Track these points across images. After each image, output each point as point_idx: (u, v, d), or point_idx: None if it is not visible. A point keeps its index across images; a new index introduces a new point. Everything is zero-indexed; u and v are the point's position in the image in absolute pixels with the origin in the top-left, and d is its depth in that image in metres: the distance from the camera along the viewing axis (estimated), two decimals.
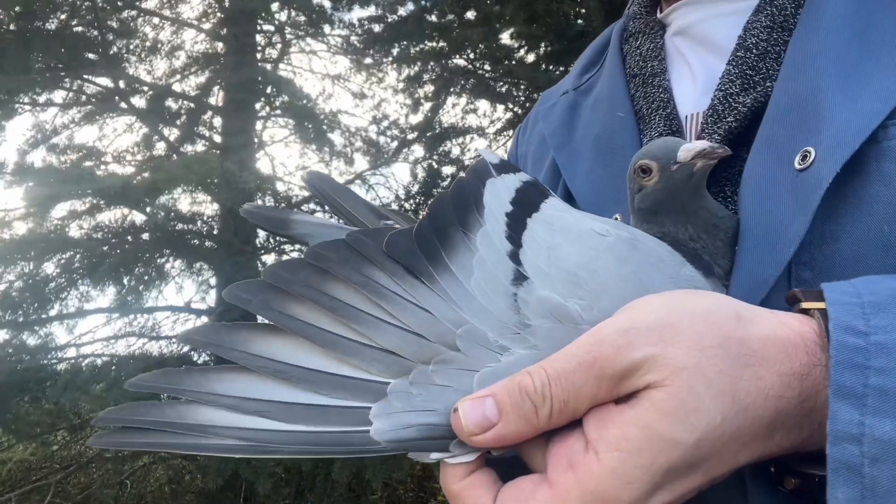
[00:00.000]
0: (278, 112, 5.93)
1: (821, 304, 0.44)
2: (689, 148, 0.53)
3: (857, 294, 0.44)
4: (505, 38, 5.52)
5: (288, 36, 6.32)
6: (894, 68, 0.51)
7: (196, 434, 0.46)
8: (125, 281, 5.20)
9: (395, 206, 6.29)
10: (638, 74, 0.74)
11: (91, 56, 5.24)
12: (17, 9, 4.88)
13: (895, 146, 0.50)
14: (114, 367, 4.67)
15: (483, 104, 6.14)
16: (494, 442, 0.44)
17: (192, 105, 5.97)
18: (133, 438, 0.47)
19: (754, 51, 0.62)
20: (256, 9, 5.37)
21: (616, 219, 0.67)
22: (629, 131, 0.71)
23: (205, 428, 0.46)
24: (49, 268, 5.11)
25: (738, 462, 0.43)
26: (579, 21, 4.68)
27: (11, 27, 5.08)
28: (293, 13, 5.91)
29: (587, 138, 0.75)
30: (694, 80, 0.69)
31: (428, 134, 5.97)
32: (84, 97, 5.84)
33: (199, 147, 6.06)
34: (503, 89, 5.60)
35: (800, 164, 0.52)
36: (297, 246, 5.92)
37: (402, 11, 5.87)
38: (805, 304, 0.45)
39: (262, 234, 5.89)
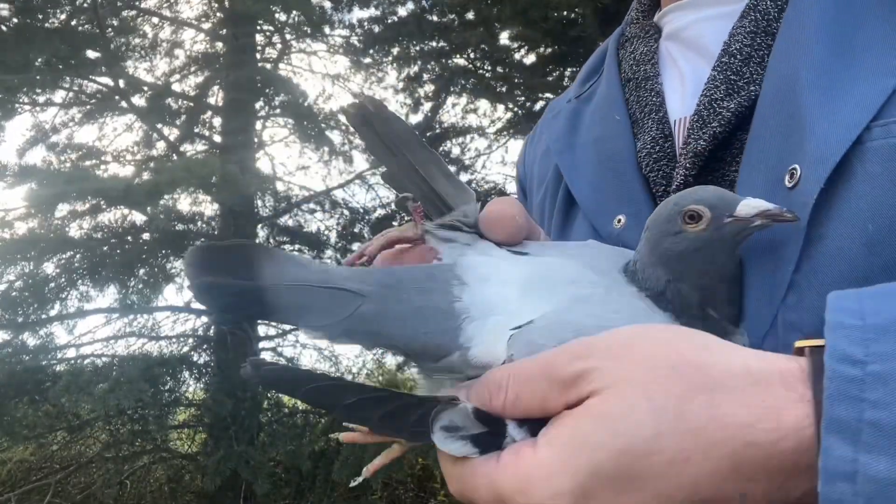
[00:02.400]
0: (278, 112, 5.93)
1: (817, 342, 0.42)
2: (754, 205, 0.50)
3: (861, 314, 0.41)
4: (504, 39, 5.53)
5: (288, 36, 6.33)
6: (876, 74, 0.51)
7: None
8: (125, 281, 5.20)
9: (395, 206, 6.30)
10: (632, 78, 0.75)
11: (91, 55, 5.24)
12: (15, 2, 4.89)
13: (879, 147, 0.49)
14: (115, 368, 4.67)
15: (483, 104, 6.15)
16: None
17: (191, 104, 5.97)
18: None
19: (738, 56, 0.62)
20: (256, 13, 5.37)
21: (619, 220, 0.68)
22: (624, 135, 0.71)
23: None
24: (49, 268, 5.12)
25: (699, 492, 0.41)
26: (574, 26, 4.68)
27: (11, 24, 5.08)
28: (293, 15, 5.91)
29: (588, 144, 0.76)
30: (683, 85, 0.70)
31: (428, 134, 5.97)
32: (84, 96, 5.84)
33: (199, 147, 6.06)
34: (503, 89, 5.60)
35: (789, 183, 0.52)
36: (297, 246, 5.93)
37: (402, 12, 5.88)
38: (799, 343, 0.43)
39: (261, 234, 5.90)
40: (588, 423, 0.43)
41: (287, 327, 6.15)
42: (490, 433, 0.47)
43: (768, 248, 0.53)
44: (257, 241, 5.72)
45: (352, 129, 0.63)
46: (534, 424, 0.46)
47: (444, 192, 0.59)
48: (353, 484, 0.51)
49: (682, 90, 0.69)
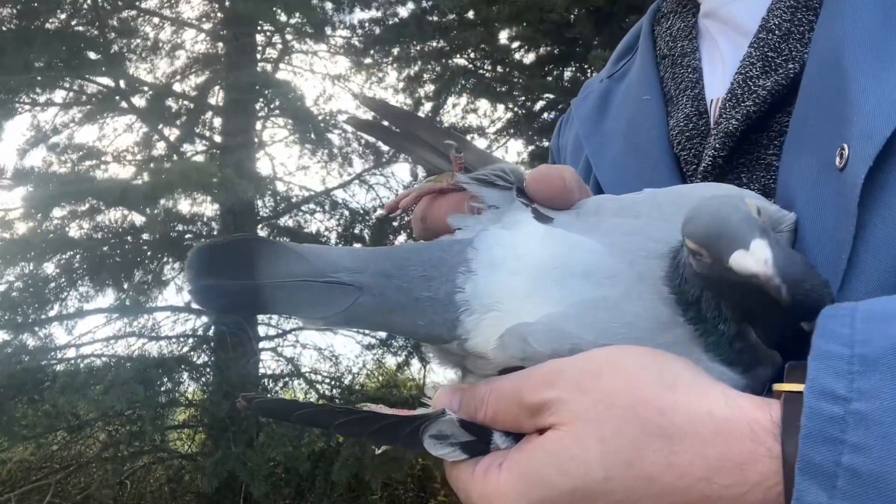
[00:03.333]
0: (277, 112, 5.92)
1: (795, 387, 0.39)
2: (743, 264, 0.40)
3: (851, 342, 0.38)
4: (504, 39, 5.53)
5: (288, 37, 6.32)
6: None
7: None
8: (125, 281, 5.20)
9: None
10: (668, 55, 0.71)
11: (91, 55, 5.24)
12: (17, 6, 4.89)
13: None
14: (112, 369, 4.66)
15: (483, 104, 6.15)
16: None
17: (191, 105, 5.97)
18: None
19: (776, 32, 0.59)
20: (256, 14, 5.37)
21: None
22: (655, 114, 0.68)
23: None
24: (49, 268, 5.12)
25: None
26: (571, 28, 4.68)
27: (12, 26, 5.08)
28: (294, 16, 5.91)
29: (617, 126, 0.73)
30: (723, 63, 0.66)
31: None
32: (84, 97, 5.84)
33: (199, 147, 6.06)
34: (503, 90, 5.60)
35: (839, 164, 0.47)
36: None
37: (402, 12, 5.88)
38: (777, 386, 0.40)
39: (260, 233, 5.89)
40: (542, 458, 0.43)
41: (287, 327, 6.15)
42: (478, 441, 0.48)
43: (818, 235, 0.49)
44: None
45: (359, 131, 0.62)
46: (519, 434, 0.47)
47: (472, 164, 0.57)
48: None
49: (722, 69, 0.65)
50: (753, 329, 0.45)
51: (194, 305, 5.64)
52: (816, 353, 0.38)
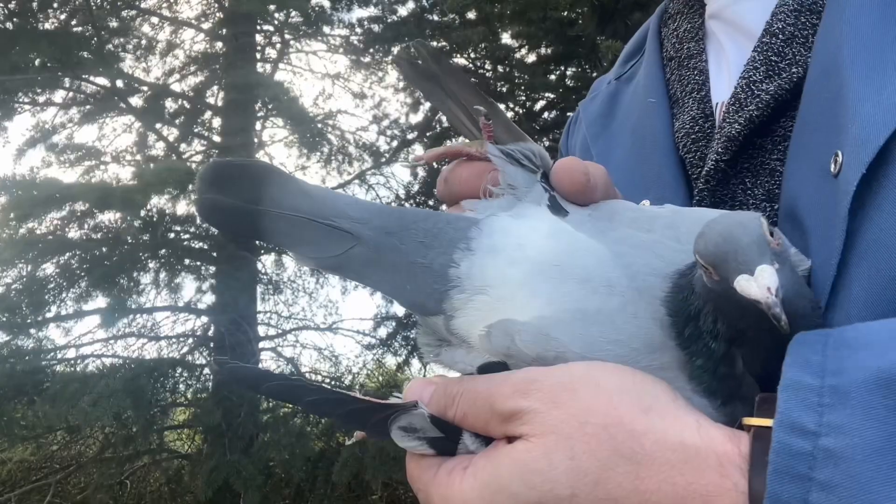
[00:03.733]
0: (276, 112, 5.92)
1: (765, 421, 0.38)
2: (747, 290, 0.39)
3: (822, 371, 0.37)
4: (506, 38, 5.52)
5: (287, 36, 6.32)
6: None
7: None
8: (123, 282, 5.19)
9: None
10: (674, 57, 0.70)
11: (89, 56, 5.23)
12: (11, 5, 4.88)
13: None
14: (105, 377, 4.65)
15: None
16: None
17: (190, 105, 5.96)
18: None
19: (780, 36, 0.59)
20: (254, 12, 5.37)
21: (644, 204, 0.64)
22: (660, 117, 0.68)
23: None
24: (48, 269, 5.11)
25: None
26: (574, 26, 4.68)
27: (8, 25, 5.07)
28: (292, 14, 5.90)
29: (624, 128, 0.73)
30: (728, 67, 0.65)
31: (428, 133, 5.96)
32: (82, 97, 5.84)
33: (198, 147, 6.05)
34: (504, 89, 5.59)
35: (834, 170, 0.47)
36: None
37: (402, 11, 5.87)
38: (747, 420, 0.39)
39: None
40: (509, 468, 0.42)
41: (287, 327, 6.14)
42: (446, 439, 0.47)
43: (818, 244, 0.48)
44: (256, 241, 5.72)
45: (403, 72, 0.62)
46: (488, 438, 0.46)
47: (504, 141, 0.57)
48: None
49: (728, 72, 0.65)
50: (743, 354, 0.43)
51: (193, 305, 5.63)
52: (786, 384, 0.37)
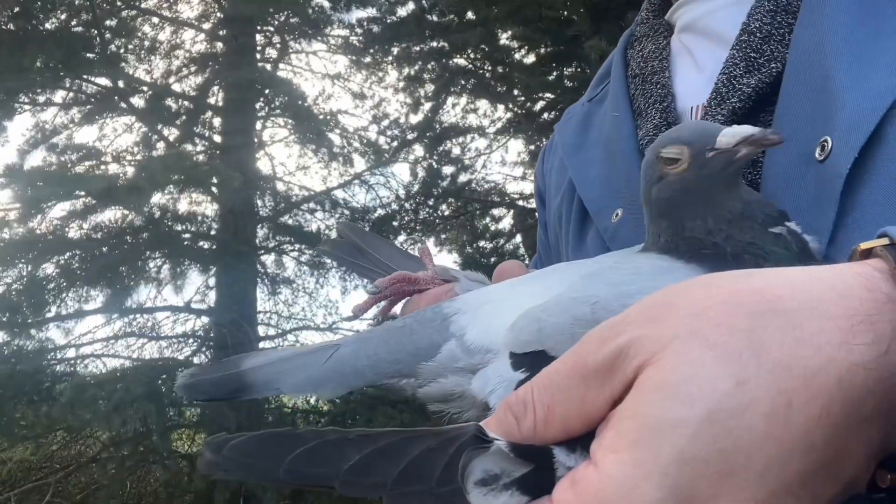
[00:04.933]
0: (277, 112, 5.93)
1: (880, 241, 0.36)
2: (733, 133, 0.44)
3: None
4: (504, 39, 5.53)
5: (287, 36, 6.32)
6: None
7: None
8: (124, 281, 5.20)
9: (395, 206, 6.28)
10: (639, 74, 0.75)
11: (90, 56, 5.24)
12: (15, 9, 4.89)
13: None
14: (120, 384, 4.66)
15: (483, 104, 6.15)
16: None
17: (191, 105, 5.97)
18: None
19: (758, 34, 0.62)
20: (254, 15, 5.37)
21: (616, 214, 0.68)
22: (625, 128, 0.71)
23: None
24: (48, 268, 5.12)
25: (815, 450, 0.32)
26: (570, 25, 4.68)
27: (11, 26, 5.08)
28: (291, 15, 5.91)
29: (598, 146, 0.76)
30: (700, 72, 0.69)
31: (428, 134, 5.97)
32: (83, 97, 5.84)
33: (199, 147, 6.06)
34: (503, 89, 5.60)
35: (820, 156, 0.50)
36: (297, 246, 5.92)
37: (401, 12, 5.87)
38: (863, 245, 0.36)
39: (260, 233, 5.89)
40: (649, 402, 0.33)
41: (287, 327, 6.15)
42: (537, 468, 0.36)
43: (798, 218, 0.51)
44: (256, 241, 5.72)
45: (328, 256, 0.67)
46: (586, 441, 0.35)
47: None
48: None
49: (699, 77, 0.69)
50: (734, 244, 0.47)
51: (194, 305, 5.64)
52: (882, 232, 0.37)
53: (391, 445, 0.36)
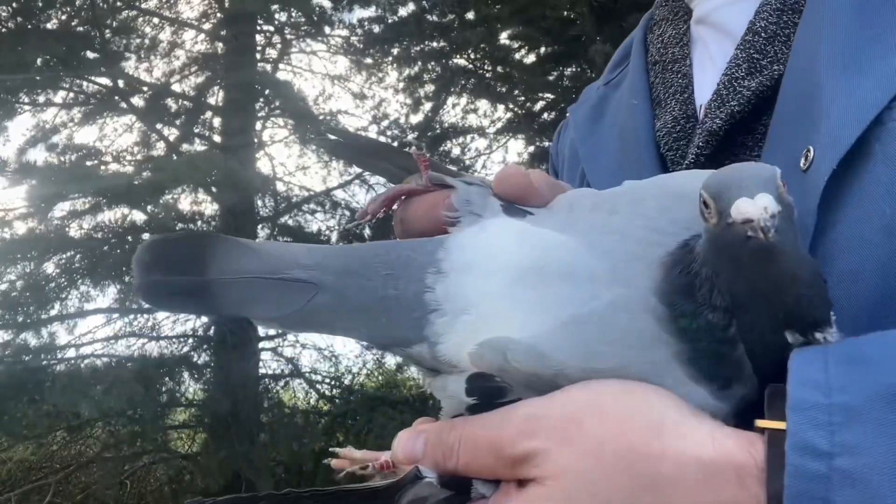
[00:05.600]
0: (277, 112, 5.93)
1: (778, 424, 0.37)
2: (742, 210, 0.37)
3: (827, 388, 0.37)
4: (504, 39, 5.53)
5: (288, 36, 6.33)
6: None
7: None
8: (125, 281, 5.20)
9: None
10: (659, 61, 0.71)
11: (90, 55, 5.24)
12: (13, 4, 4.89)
13: None
14: (113, 368, 4.67)
15: (483, 104, 6.15)
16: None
17: (190, 105, 5.97)
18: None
19: (762, 34, 0.60)
20: (255, 11, 5.38)
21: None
22: (643, 117, 0.68)
23: None
24: (49, 268, 5.12)
25: None
26: (573, 26, 4.69)
27: (10, 25, 5.08)
28: (293, 14, 5.91)
29: (611, 132, 0.73)
30: (714, 68, 0.66)
31: (428, 134, 5.97)
32: (83, 97, 5.84)
33: (199, 147, 6.06)
34: (503, 89, 5.60)
35: (804, 165, 0.48)
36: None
37: (402, 12, 5.88)
38: (760, 423, 0.39)
39: (261, 233, 5.89)
40: None
41: None
42: (457, 494, 0.45)
43: None
44: (256, 241, 5.72)
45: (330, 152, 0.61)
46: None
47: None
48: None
49: (713, 74, 0.66)
50: (740, 326, 0.42)
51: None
52: (794, 404, 0.37)
53: (339, 495, 0.47)
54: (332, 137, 0.59)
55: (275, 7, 5.49)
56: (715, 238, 0.40)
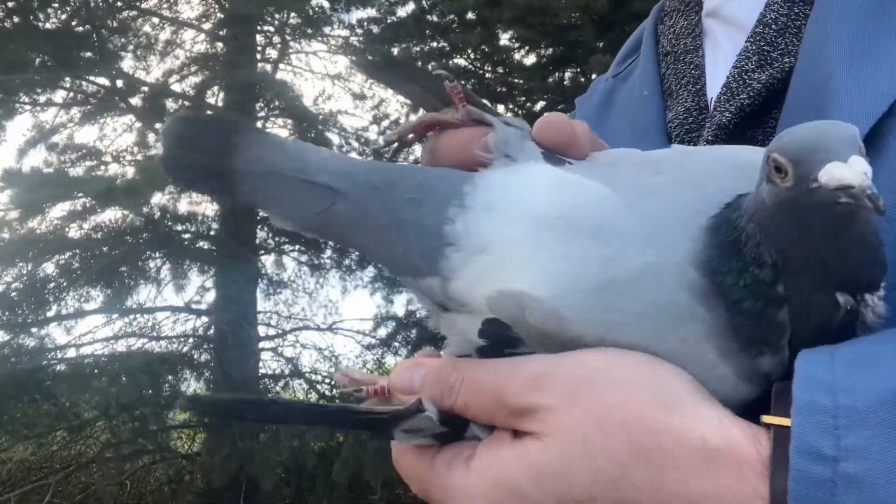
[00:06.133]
0: (277, 112, 5.93)
1: (783, 421, 0.36)
2: (837, 176, 0.35)
3: (833, 390, 0.36)
4: (505, 40, 5.53)
5: (287, 37, 6.32)
6: None
7: None
8: (124, 281, 5.20)
9: (428, 135, 6.22)
10: (670, 52, 0.70)
11: (90, 55, 5.24)
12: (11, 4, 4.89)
13: None
14: (116, 363, 4.67)
15: None
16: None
17: (190, 105, 5.97)
18: None
19: (773, 26, 0.58)
20: (253, 14, 5.38)
21: None
22: (654, 109, 0.67)
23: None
24: (48, 268, 5.12)
25: None
26: (573, 30, 4.69)
27: (8, 25, 5.08)
28: (291, 18, 5.91)
29: (620, 124, 0.72)
30: (725, 62, 0.65)
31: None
32: (83, 97, 5.84)
33: None
34: (503, 90, 5.60)
35: None
36: (297, 246, 5.93)
37: (401, 12, 5.88)
38: (765, 419, 0.38)
39: (260, 233, 5.89)
40: (521, 470, 0.40)
41: (287, 327, 6.15)
42: (452, 432, 0.44)
43: None
44: (256, 241, 5.72)
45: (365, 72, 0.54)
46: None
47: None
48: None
49: (725, 67, 0.64)
50: (787, 288, 0.39)
51: (195, 305, 5.63)
52: (798, 406, 0.36)
53: (341, 411, 0.48)
54: (370, 58, 0.55)
55: (272, 9, 5.49)
56: (786, 202, 0.37)
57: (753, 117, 0.59)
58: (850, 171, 0.35)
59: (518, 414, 0.41)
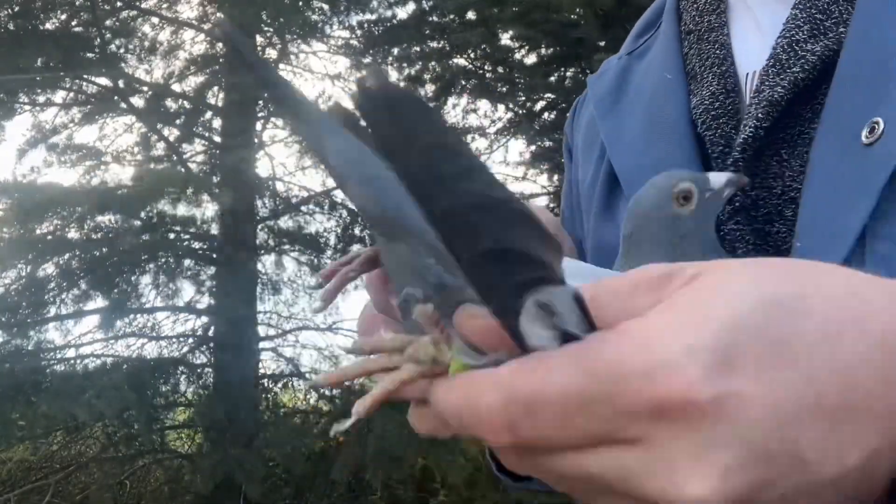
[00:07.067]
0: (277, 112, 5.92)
1: None
2: (720, 176, 0.50)
3: None
4: (506, 39, 5.53)
5: (287, 37, 6.33)
6: None
7: None
8: (123, 282, 5.20)
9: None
10: (693, 31, 0.65)
11: (90, 56, 5.24)
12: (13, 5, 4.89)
13: None
14: (107, 372, 4.66)
15: (484, 104, 6.14)
16: None
17: (191, 105, 5.97)
18: None
19: None
20: (248, 24, 5.39)
21: None
22: (677, 93, 0.63)
23: None
24: (48, 269, 5.11)
25: (849, 384, 0.28)
26: (576, 28, 4.69)
27: (10, 26, 5.08)
28: (288, 27, 5.92)
29: (637, 106, 0.67)
30: (761, 34, 0.60)
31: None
32: (83, 97, 5.84)
33: (199, 147, 6.06)
34: (504, 90, 5.60)
35: (867, 138, 0.44)
36: (298, 247, 5.92)
37: (401, 14, 5.88)
38: None
39: (260, 235, 5.89)
40: (709, 284, 0.29)
41: (287, 327, 6.15)
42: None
43: (828, 218, 0.45)
44: (256, 241, 5.72)
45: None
46: None
47: None
48: (337, 429, 0.35)
49: (761, 40, 0.60)
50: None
51: (193, 305, 5.61)
52: None
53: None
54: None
55: (269, 20, 5.50)
56: (692, 221, 0.50)
57: (805, 92, 0.54)
58: (721, 174, 0.51)
59: (660, 282, 0.31)
